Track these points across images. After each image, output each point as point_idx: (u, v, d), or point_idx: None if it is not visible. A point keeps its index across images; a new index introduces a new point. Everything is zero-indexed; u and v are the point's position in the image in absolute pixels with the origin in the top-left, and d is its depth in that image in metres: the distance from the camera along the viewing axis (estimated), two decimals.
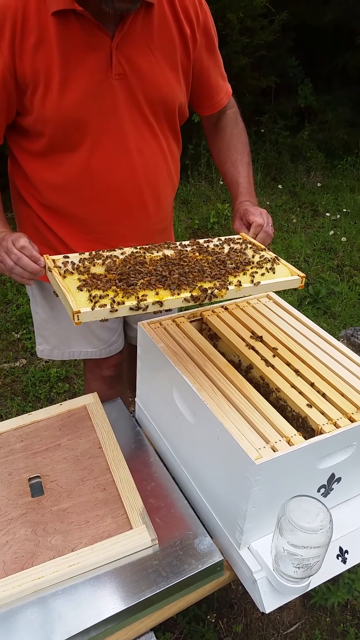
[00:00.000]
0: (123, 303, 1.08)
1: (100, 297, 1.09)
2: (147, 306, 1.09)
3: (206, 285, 1.17)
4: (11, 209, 1.63)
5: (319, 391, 1.25)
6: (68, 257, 1.25)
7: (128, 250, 1.31)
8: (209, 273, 1.21)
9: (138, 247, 1.32)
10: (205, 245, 1.37)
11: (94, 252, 1.28)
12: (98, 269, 1.22)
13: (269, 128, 5.96)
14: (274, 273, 1.27)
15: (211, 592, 1.21)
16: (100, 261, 1.24)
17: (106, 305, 1.07)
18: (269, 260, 1.30)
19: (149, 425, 1.52)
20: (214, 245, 1.38)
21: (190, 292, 1.14)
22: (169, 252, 1.31)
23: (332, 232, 4.49)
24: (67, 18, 1.25)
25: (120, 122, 1.39)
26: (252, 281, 1.21)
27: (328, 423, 1.15)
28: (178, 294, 1.13)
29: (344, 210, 4.91)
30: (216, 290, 1.15)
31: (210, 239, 1.41)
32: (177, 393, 1.30)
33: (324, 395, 1.24)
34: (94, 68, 1.31)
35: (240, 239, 1.42)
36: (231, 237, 1.43)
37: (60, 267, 1.22)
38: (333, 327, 3.37)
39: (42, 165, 1.43)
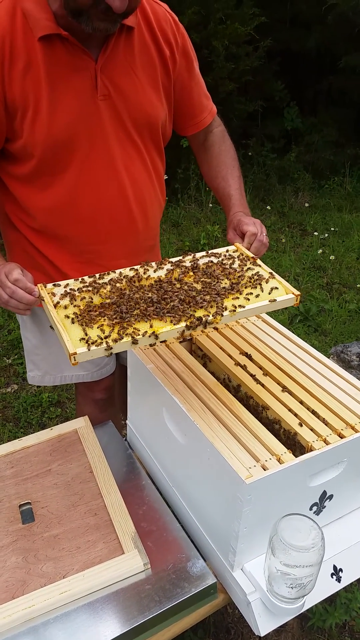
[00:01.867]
0: (118, 341, 1.09)
1: (97, 336, 1.09)
2: (142, 341, 1.10)
3: (200, 313, 1.17)
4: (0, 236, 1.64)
5: (308, 408, 1.25)
6: (60, 285, 1.25)
7: (122, 272, 1.31)
8: (202, 298, 1.20)
9: (132, 268, 1.32)
10: (199, 262, 1.36)
11: (87, 279, 1.28)
12: (92, 297, 1.22)
13: (257, 151, 6.06)
14: (269, 293, 1.26)
15: (206, 616, 1.19)
16: (93, 288, 1.24)
17: (102, 344, 1.08)
18: (264, 279, 1.29)
19: (140, 447, 1.51)
20: (208, 260, 1.37)
21: (185, 321, 1.14)
22: (162, 273, 1.31)
23: (320, 251, 4.54)
24: (53, 43, 1.29)
25: (107, 142, 1.42)
26: (245, 305, 1.21)
27: (318, 440, 1.15)
28: (173, 325, 1.13)
29: (332, 229, 4.97)
30: (210, 318, 1.16)
31: (206, 252, 1.40)
32: (167, 414, 1.30)
33: (313, 412, 1.24)
34: (80, 90, 1.34)
35: (235, 251, 1.41)
36: (226, 248, 1.42)
37: (54, 296, 1.22)
38: (324, 344, 3.38)
39: (31, 189, 1.45)
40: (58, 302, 1.21)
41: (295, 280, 4.14)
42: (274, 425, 1.25)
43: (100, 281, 1.27)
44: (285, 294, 1.26)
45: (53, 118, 1.33)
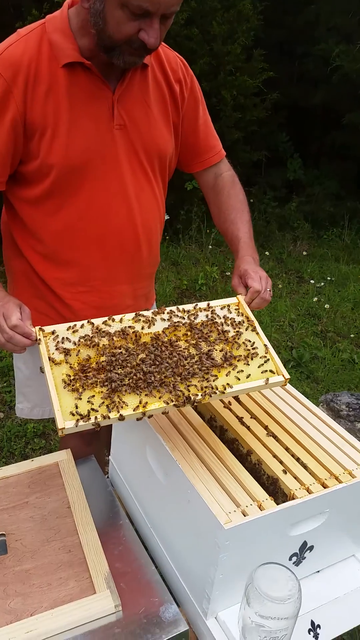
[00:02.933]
0: (106, 417, 1.09)
1: (87, 410, 1.10)
2: (130, 417, 1.12)
3: (190, 392, 1.16)
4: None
5: (293, 455, 1.24)
6: (57, 332, 1.23)
7: (120, 321, 1.27)
8: (194, 370, 1.19)
9: (130, 319, 1.29)
10: (198, 318, 1.33)
11: (84, 331, 1.24)
12: (87, 352, 1.20)
13: (259, 198, 6.21)
14: (261, 372, 1.24)
15: None
16: (89, 341, 1.22)
17: (90, 419, 1.09)
18: (258, 355, 1.27)
19: (121, 485, 1.49)
20: (207, 319, 1.34)
21: (174, 400, 1.14)
22: (160, 327, 1.28)
23: (315, 299, 4.59)
24: (75, 70, 1.36)
25: (120, 168, 1.47)
26: (235, 386, 1.20)
27: (300, 488, 1.14)
28: (162, 402, 1.13)
29: (328, 278, 5.03)
30: (199, 397, 1.16)
31: (207, 305, 1.37)
32: (150, 451, 1.29)
33: (298, 459, 1.23)
34: (98, 116, 1.41)
35: (237, 307, 1.39)
36: (228, 302, 1.39)
37: (49, 344, 1.21)
38: (316, 392, 3.38)
39: (42, 212, 1.48)
40: (53, 355, 1.19)
41: (290, 326, 4.17)
42: (258, 471, 1.24)
43: (95, 338, 1.24)
44: (276, 374, 1.25)
45: (71, 140, 1.38)
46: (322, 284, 4.91)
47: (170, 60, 1.54)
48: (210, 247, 5.30)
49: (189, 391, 1.16)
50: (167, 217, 1.73)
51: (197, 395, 1.16)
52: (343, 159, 6.76)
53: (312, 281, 4.93)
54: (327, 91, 5.86)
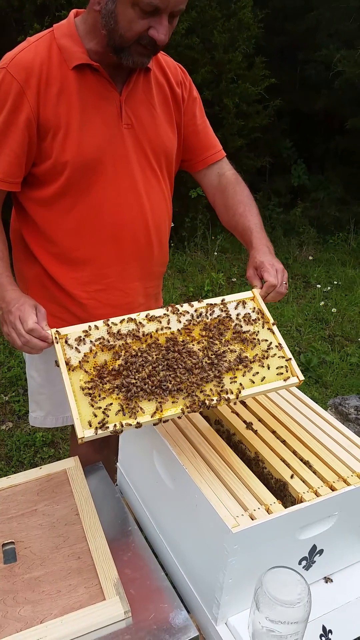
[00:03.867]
0: (124, 426, 1.11)
1: (104, 416, 1.12)
2: (146, 423, 1.13)
3: (206, 397, 1.17)
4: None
5: (301, 459, 1.24)
6: (72, 334, 1.23)
7: (133, 322, 1.27)
8: (208, 375, 1.20)
9: (144, 318, 1.28)
10: (214, 314, 1.32)
11: (99, 333, 1.24)
12: (103, 355, 1.21)
13: (263, 204, 6.22)
14: (276, 374, 1.25)
15: None
16: (105, 344, 1.22)
17: (108, 428, 1.10)
18: (273, 355, 1.27)
19: (129, 491, 1.49)
20: (221, 314, 1.32)
21: (190, 405, 1.16)
22: (174, 328, 1.27)
23: (322, 303, 4.58)
24: (84, 72, 1.42)
25: (130, 165, 1.51)
26: (250, 389, 1.22)
27: (309, 491, 1.13)
28: (177, 408, 1.15)
29: (335, 282, 5.02)
30: (214, 402, 1.17)
31: (222, 301, 1.35)
32: (157, 456, 1.29)
33: (306, 463, 1.23)
34: (108, 116, 1.46)
35: (252, 300, 1.37)
36: (242, 297, 1.37)
37: (65, 347, 1.21)
38: (324, 397, 3.36)
39: (56, 211, 1.50)
40: (69, 359, 1.19)
41: (297, 331, 4.15)
42: (266, 475, 1.24)
43: (111, 340, 1.24)
44: (290, 376, 1.26)
45: (83, 138, 1.43)
46: (329, 288, 4.90)
47: (169, 66, 1.61)
48: (215, 253, 5.31)
49: (205, 396, 1.17)
50: (172, 224, 1.74)
51: (213, 400, 1.17)
52: (347, 164, 6.76)
53: (318, 286, 4.92)
54: (329, 96, 5.88)
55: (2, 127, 1.39)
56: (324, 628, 1.17)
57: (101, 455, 1.85)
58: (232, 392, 1.19)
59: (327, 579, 1.24)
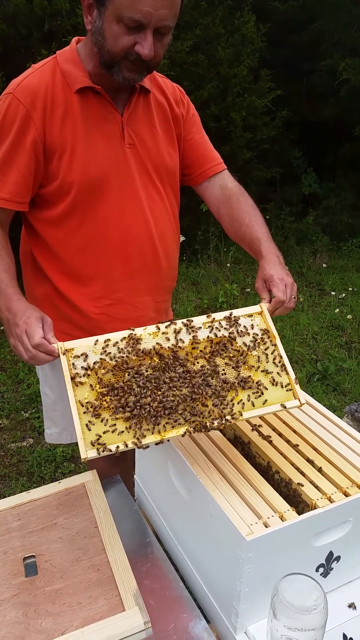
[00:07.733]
0: (127, 446, 1.14)
1: (107, 441, 1.14)
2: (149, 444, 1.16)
3: (207, 419, 1.18)
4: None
5: (314, 465, 1.24)
6: (78, 348, 1.24)
7: (140, 336, 1.27)
8: (211, 398, 1.21)
9: (151, 332, 1.29)
10: (219, 332, 1.31)
11: (107, 349, 1.25)
12: (108, 373, 1.22)
13: (275, 214, 6.23)
14: (278, 396, 1.25)
15: None
16: (110, 360, 1.23)
17: (111, 450, 1.13)
18: (276, 378, 1.28)
19: (147, 503, 1.50)
20: (228, 329, 1.32)
21: (192, 429, 1.17)
22: (179, 344, 1.27)
23: (337, 310, 4.56)
24: (87, 95, 1.48)
25: (134, 183, 1.57)
26: (250, 411, 1.22)
27: (322, 498, 1.14)
28: (179, 431, 1.17)
29: (350, 289, 5.00)
30: (215, 424, 1.19)
31: (228, 316, 1.34)
32: (172, 468, 1.30)
33: (319, 469, 1.23)
34: (111, 136, 1.52)
35: (260, 314, 1.36)
36: (250, 312, 1.36)
37: (72, 362, 1.23)
38: (343, 404, 3.34)
39: (64, 230, 1.55)
40: (75, 376, 1.21)
41: (313, 339, 4.15)
42: (279, 483, 1.25)
43: (117, 353, 1.25)
44: (292, 398, 1.26)
45: (88, 158, 1.49)
46: (344, 295, 4.88)
47: (168, 87, 1.67)
48: (229, 265, 5.34)
49: (207, 418, 1.19)
50: (183, 238, 1.77)
51: (214, 423, 1.18)
52: (358, 170, 6.75)
53: (333, 293, 4.91)
54: (336, 105, 5.90)
55: (10, 149, 1.45)
56: (344, 636, 1.17)
57: (118, 468, 1.87)
58: (233, 414, 1.20)
59: (352, 605, 1.21)
